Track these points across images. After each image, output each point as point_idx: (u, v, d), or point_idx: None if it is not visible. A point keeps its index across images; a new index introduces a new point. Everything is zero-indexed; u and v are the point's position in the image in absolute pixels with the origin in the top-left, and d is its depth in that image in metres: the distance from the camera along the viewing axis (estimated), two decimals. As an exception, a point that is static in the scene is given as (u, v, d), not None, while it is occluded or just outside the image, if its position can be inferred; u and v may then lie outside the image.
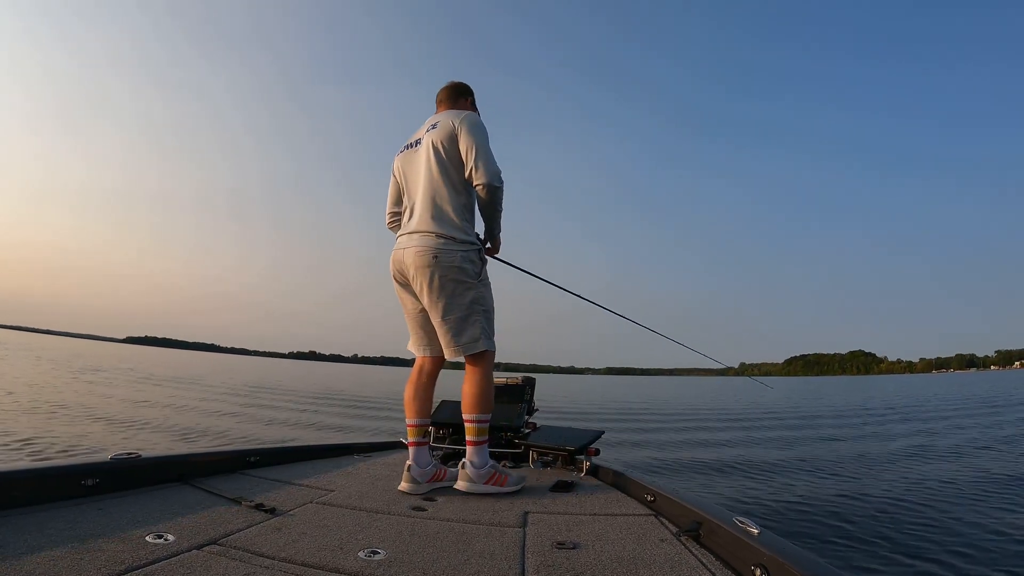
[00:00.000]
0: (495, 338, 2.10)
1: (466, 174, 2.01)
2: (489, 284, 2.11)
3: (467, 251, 2.00)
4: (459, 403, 2.86)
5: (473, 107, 2.28)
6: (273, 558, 1.20)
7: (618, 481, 2.15)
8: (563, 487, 2.05)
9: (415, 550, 1.31)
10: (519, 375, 3.02)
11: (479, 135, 2.01)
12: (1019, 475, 4.80)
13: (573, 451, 2.41)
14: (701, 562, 1.27)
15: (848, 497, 4.02)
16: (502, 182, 2.01)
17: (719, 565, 1.25)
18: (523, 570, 1.21)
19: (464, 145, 1.99)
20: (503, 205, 2.10)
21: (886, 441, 7.44)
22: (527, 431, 2.72)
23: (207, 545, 1.25)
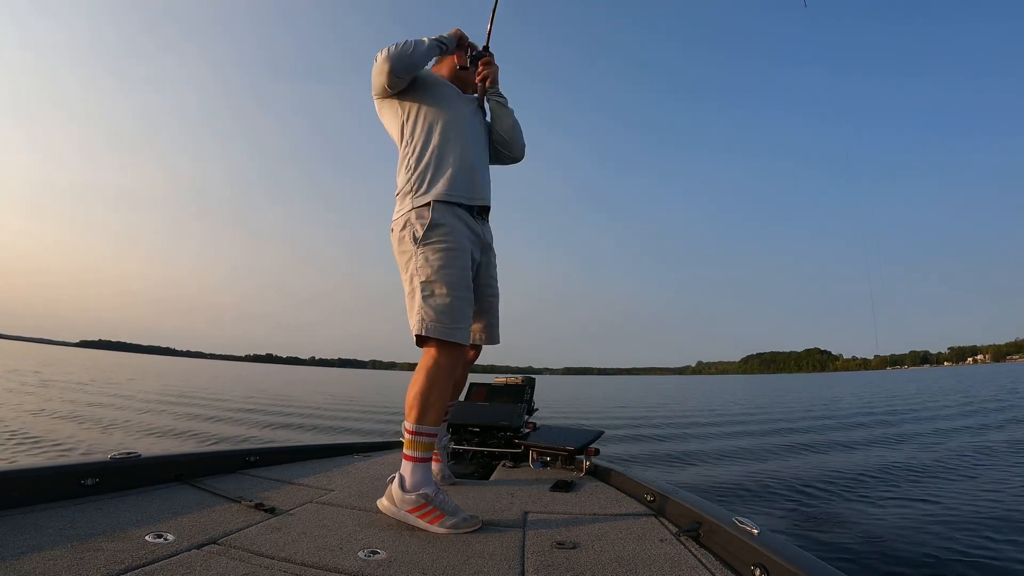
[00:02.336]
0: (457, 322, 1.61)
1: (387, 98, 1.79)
2: (439, 244, 1.64)
3: (405, 211, 1.69)
4: (461, 403, 2.86)
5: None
6: (273, 558, 1.20)
7: (618, 481, 2.15)
8: (563, 487, 2.05)
9: (415, 550, 1.31)
10: (519, 375, 3.02)
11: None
12: (1016, 475, 4.80)
13: (573, 451, 2.41)
14: (701, 562, 1.27)
15: (846, 497, 4.03)
16: (389, 56, 1.67)
17: (719, 565, 1.25)
18: (523, 570, 1.21)
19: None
20: (411, 49, 1.71)
21: (878, 440, 7.44)
22: (527, 431, 2.72)
23: (207, 545, 1.25)
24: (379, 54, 1.69)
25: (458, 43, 1.93)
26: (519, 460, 2.58)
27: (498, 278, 1.95)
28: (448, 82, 1.93)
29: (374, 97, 1.84)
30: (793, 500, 3.95)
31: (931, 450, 6.27)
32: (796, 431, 8.75)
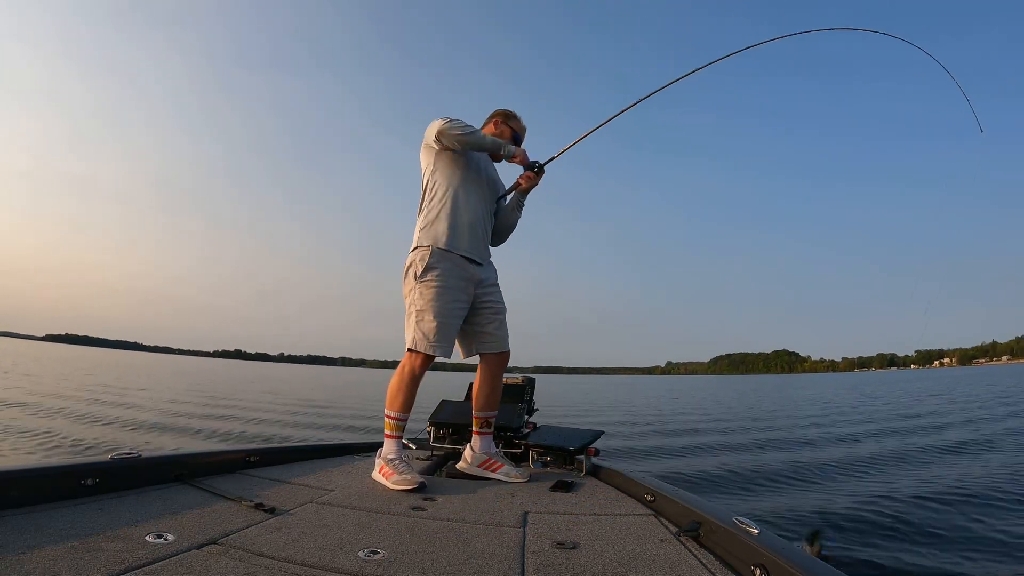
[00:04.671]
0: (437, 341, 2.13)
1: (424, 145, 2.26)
2: (432, 283, 2.13)
3: (413, 251, 2.18)
4: (459, 403, 2.87)
5: (507, 124, 2.43)
6: (273, 558, 1.20)
7: (618, 481, 2.15)
8: (563, 487, 2.05)
9: (415, 550, 1.30)
10: (519, 375, 3.02)
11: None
12: (1015, 476, 4.80)
13: (573, 451, 2.41)
14: (701, 562, 1.27)
15: (846, 497, 4.03)
16: (446, 126, 2.12)
17: (719, 565, 1.25)
18: (523, 570, 1.21)
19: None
20: (468, 133, 2.14)
21: (876, 441, 7.44)
22: (527, 431, 2.72)
23: (207, 545, 1.25)
24: (442, 120, 2.13)
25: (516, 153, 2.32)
26: (519, 460, 2.58)
27: (502, 299, 2.38)
28: (485, 155, 2.36)
29: (424, 140, 2.25)
30: (793, 500, 3.95)
31: (929, 453, 6.27)
32: (793, 432, 8.76)
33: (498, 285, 2.38)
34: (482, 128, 2.41)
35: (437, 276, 2.13)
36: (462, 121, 2.15)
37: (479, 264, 2.27)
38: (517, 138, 2.42)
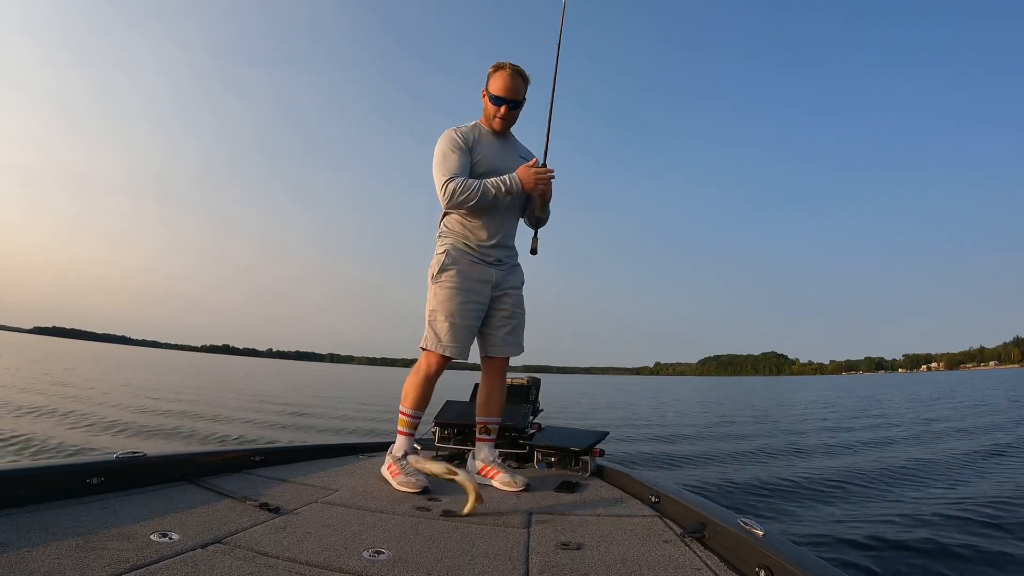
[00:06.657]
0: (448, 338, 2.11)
1: None
2: (446, 284, 2.12)
3: (435, 253, 2.19)
4: (464, 403, 2.87)
5: (487, 91, 2.17)
6: (277, 557, 1.20)
7: (622, 482, 2.15)
8: (567, 488, 2.05)
9: (419, 550, 1.30)
10: (524, 375, 3.01)
11: (435, 162, 2.13)
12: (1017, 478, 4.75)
13: (578, 452, 2.41)
14: (705, 563, 1.27)
15: (851, 499, 4.00)
16: (449, 201, 2.07)
17: (723, 567, 1.25)
18: (527, 570, 1.21)
19: None
20: (473, 200, 2.06)
21: (880, 443, 7.37)
22: (532, 431, 2.72)
23: (212, 544, 1.25)
24: (449, 184, 2.05)
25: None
26: (524, 461, 2.58)
27: (522, 305, 2.31)
28: (493, 142, 2.21)
29: (444, 206, 2.16)
30: (798, 502, 3.93)
31: (934, 454, 6.21)
32: (798, 434, 8.70)
33: (519, 289, 2.29)
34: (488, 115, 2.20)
35: (451, 277, 2.13)
36: (466, 192, 2.05)
37: (495, 265, 2.21)
38: (496, 100, 2.13)
